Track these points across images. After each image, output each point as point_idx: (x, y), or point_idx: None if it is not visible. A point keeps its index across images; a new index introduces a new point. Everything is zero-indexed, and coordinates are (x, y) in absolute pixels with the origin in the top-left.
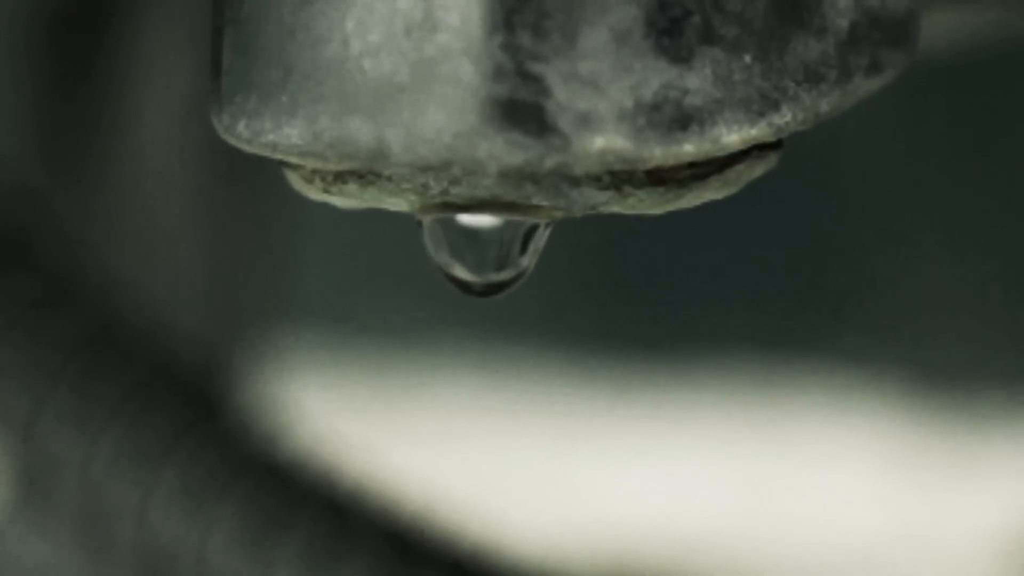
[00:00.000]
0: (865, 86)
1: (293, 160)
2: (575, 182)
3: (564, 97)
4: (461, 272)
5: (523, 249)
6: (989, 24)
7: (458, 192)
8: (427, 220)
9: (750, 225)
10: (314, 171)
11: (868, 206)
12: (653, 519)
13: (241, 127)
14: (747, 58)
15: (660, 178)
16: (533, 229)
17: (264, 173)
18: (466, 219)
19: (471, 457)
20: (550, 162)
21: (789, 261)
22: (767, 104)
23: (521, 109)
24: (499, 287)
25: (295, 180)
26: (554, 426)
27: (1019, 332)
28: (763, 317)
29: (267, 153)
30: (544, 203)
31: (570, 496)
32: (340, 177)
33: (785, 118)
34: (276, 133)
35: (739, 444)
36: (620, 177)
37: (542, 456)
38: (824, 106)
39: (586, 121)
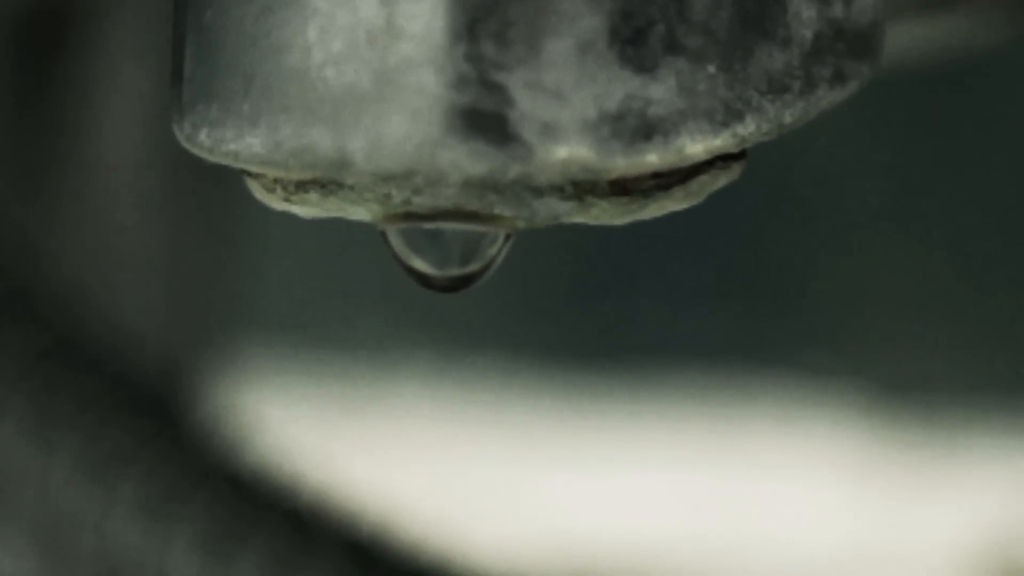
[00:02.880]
0: (829, 97)
1: (255, 169)
2: (538, 192)
3: (527, 107)
4: (423, 266)
5: (485, 247)
6: (950, 34)
7: (420, 202)
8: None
9: (710, 236)
10: (276, 180)
11: (828, 217)
12: (614, 531)
13: (203, 136)
14: (711, 68)
15: (623, 188)
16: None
17: (226, 182)
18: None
19: (432, 468)
20: (513, 172)
21: (750, 273)
22: (731, 114)
23: (484, 119)
24: (463, 281)
25: (256, 189)
26: (515, 437)
27: (979, 344)
28: (724, 329)
29: (229, 162)
30: (506, 213)
31: (531, 508)
32: (302, 186)
33: (749, 129)
34: (238, 142)
35: (700, 456)
36: (583, 187)
37: (503, 467)
38: (788, 117)
39: (549, 131)
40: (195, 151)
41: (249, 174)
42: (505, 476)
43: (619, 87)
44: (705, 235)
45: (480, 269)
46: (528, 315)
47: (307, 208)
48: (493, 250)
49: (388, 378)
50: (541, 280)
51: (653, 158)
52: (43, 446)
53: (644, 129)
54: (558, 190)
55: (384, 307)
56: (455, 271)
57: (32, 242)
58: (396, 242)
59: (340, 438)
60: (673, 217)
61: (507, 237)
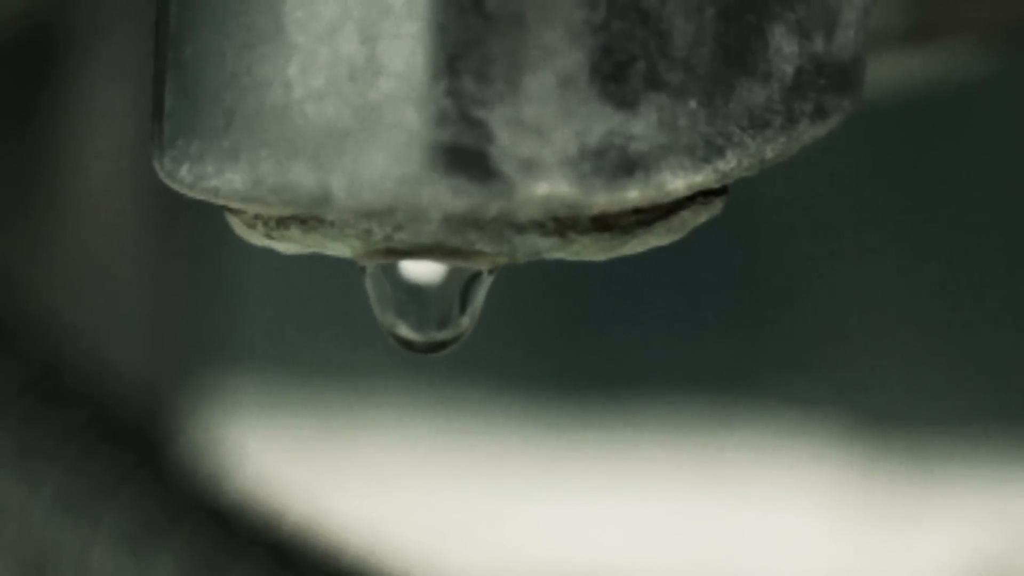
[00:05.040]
0: (810, 132)
1: (235, 205)
2: (519, 228)
3: (508, 143)
4: (405, 331)
5: (463, 308)
6: (931, 67)
7: (401, 238)
8: (370, 279)
9: (693, 267)
10: (256, 216)
11: (811, 248)
12: (598, 560)
13: (183, 172)
14: (692, 104)
15: (605, 224)
16: (474, 286)
17: (207, 215)
18: (409, 275)
19: (415, 499)
20: (494, 208)
21: (734, 304)
22: (712, 150)
23: (465, 155)
24: (441, 346)
25: (237, 225)
26: (498, 468)
27: (962, 373)
28: (707, 359)
29: (209, 198)
30: (488, 249)
31: (515, 537)
32: (282, 222)
33: (730, 164)
34: (218, 178)
35: (683, 485)
36: (564, 223)
37: (486, 498)
38: (769, 152)
39: (530, 167)
40: (175, 187)
41: (230, 210)
42: (489, 506)
43: (600, 123)
44: (689, 267)
45: (453, 337)
46: (511, 345)
47: (288, 244)
48: (466, 321)
49: (370, 409)
50: (525, 309)
51: (634, 194)
52: (24, 479)
53: (625, 165)
54: (539, 226)
55: (365, 338)
56: (435, 334)
57: (13, 273)
58: (379, 309)
59: (322, 469)
60: (657, 248)
61: (487, 273)
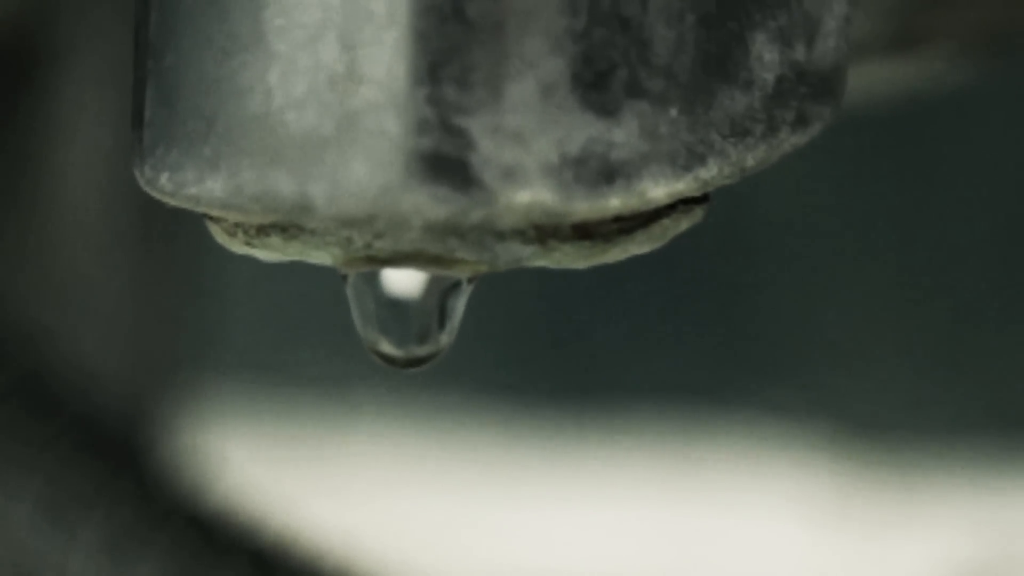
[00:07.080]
0: (791, 140)
1: (215, 213)
2: (500, 236)
3: (489, 151)
4: (386, 347)
5: (442, 324)
6: (914, 75)
7: (382, 246)
8: (351, 291)
9: (674, 276)
10: (237, 224)
11: (792, 257)
12: (578, 569)
13: (163, 180)
14: (673, 112)
15: (586, 232)
16: (453, 298)
17: (189, 223)
18: (389, 288)
19: (395, 508)
20: (475, 216)
21: (715, 313)
22: (693, 158)
23: (446, 163)
24: (421, 361)
25: (218, 233)
26: (479, 476)
27: (944, 384)
28: (688, 368)
29: (189, 206)
30: (469, 257)
31: (494, 547)
32: (263, 230)
33: (711, 172)
34: (198, 186)
35: (664, 495)
36: (545, 231)
37: (467, 507)
38: (750, 160)
39: (511, 175)
40: (155, 195)
41: (210, 218)
42: (469, 514)
43: (581, 131)
44: (671, 275)
45: (433, 352)
46: (491, 355)
47: (269, 252)
48: (444, 337)
49: (351, 419)
50: (506, 318)
51: (615, 202)
52: (4, 488)
53: (606, 173)
54: (520, 234)
55: (346, 346)
56: (415, 350)
57: None
58: (361, 325)
59: (303, 479)
60: (639, 256)
61: (467, 282)
